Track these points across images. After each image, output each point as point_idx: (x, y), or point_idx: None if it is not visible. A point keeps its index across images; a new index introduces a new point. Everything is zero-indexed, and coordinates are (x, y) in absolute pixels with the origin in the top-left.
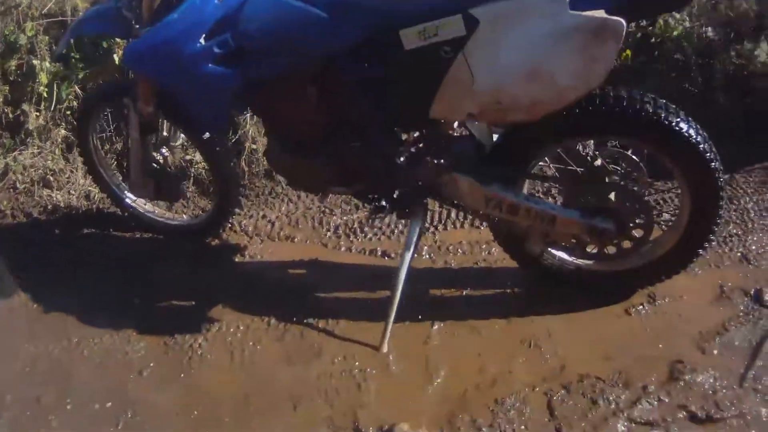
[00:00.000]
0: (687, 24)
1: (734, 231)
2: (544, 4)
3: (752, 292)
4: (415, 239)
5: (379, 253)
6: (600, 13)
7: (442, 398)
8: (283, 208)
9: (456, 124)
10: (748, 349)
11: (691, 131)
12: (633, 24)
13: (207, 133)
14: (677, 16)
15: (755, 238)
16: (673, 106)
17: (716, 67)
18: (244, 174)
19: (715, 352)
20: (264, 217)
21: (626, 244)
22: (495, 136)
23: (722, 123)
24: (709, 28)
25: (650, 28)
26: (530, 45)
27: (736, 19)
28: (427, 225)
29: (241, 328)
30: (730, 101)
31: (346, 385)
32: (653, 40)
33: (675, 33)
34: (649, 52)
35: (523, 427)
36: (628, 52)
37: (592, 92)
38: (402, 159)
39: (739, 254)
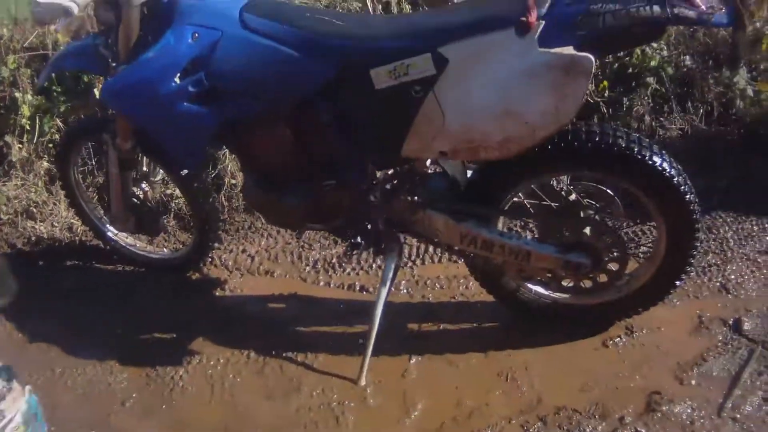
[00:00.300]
0: (665, 53)
1: (713, 261)
2: (513, 42)
3: (731, 322)
4: (390, 275)
5: (358, 288)
6: (569, 50)
7: (419, 431)
8: (263, 243)
9: (429, 161)
10: (726, 379)
11: (665, 165)
12: (610, 55)
13: (184, 170)
14: (654, 45)
15: (734, 268)
16: (647, 140)
17: (695, 95)
18: (224, 208)
19: (693, 382)
20: (244, 251)
21: (602, 277)
22: (469, 173)
23: (702, 151)
24: (687, 57)
25: (627, 58)
26: (500, 83)
27: (714, 48)
28: (404, 259)
29: (222, 361)
30: (710, 129)
31: (324, 418)
32: (630, 70)
33: (652, 63)
34: (627, 83)
35: None
36: (605, 83)
37: (564, 128)
38: (376, 196)
39: (718, 284)
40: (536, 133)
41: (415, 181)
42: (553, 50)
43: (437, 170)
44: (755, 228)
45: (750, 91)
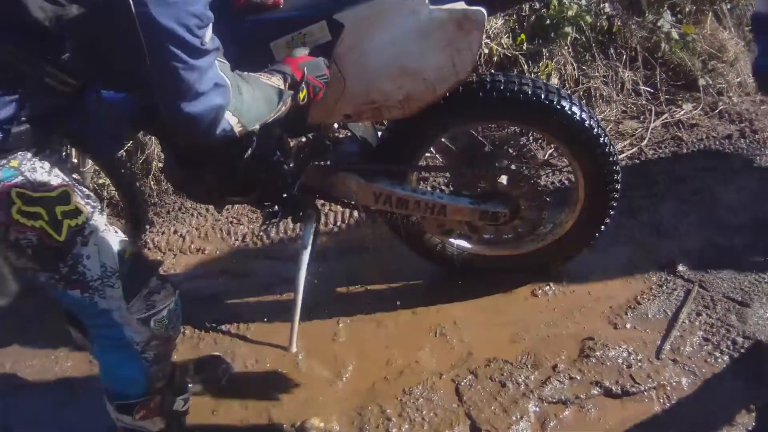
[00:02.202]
0: (583, 2)
1: (644, 204)
2: (405, 2)
3: (665, 263)
4: (310, 241)
5: (285, 257)
6: (460, 5)
7: (351, 392)
8: (193, 222)
9: (337, 125)
10: (663, 321)
11: (575, 109)
12: (526, 7)
13: (109, 157)
14: None
15: (666, 209)
16: (555, 86)
17: (618, 41)
18: (154, 192)
19: (628, 326)
20: (175, 232)
21: (522, 226)
22: (380, 133)
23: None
24: (607, 4)
25: (544, 10)
26: (396, 43)
27: None
28: (330, 225)
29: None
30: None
31: (259, 386)
32: (548, 21)
33: (570, 12)
34: (546, 35)
35: (432, 414)
36: (523, 36)
37: (467, 81)
38: (290, 165)
39: (649, 227)
40: (436, 89)
41: (325, 146)
42: (444, 7)
43: (347, 134)
44: (686, 169)
45: (675, 34)
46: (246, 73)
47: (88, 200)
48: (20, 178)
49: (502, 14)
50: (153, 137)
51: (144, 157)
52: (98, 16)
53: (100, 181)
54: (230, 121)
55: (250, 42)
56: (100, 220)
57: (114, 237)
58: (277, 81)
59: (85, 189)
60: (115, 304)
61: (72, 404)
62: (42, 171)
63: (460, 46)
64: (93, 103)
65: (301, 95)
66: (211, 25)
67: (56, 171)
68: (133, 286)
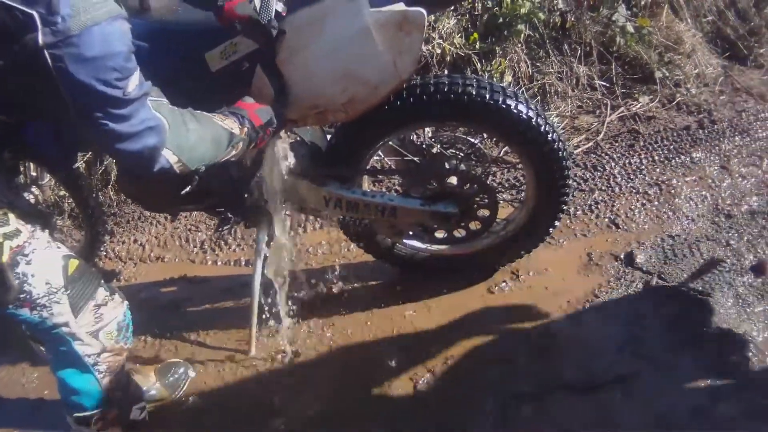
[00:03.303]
0: None
1: (600, 198)
2: (344, 6)
3: (622, 256)
4: (263, 246)
5: (243, 263)
6: (400, 6)
7: (310, 392)
8: (153, 231)
9: (283, 131)
10: (623, 313)
11: (521, 107)
12: (478, 5)
13: (64, 171)
14: None
15: (623, 202)
16: (500, 85)
17: (572, 37)
18: (113, 202)
19: (587, 319)
20: (135, 241)
21: (474, 225)
22: (329, 137)
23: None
24: (560, 0)
25: (497, 9)
26: (336, 46)
27: None
28: (288, 230)
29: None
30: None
31: (219, 390)
32: (501, 20)
33: (522, 10)
34: (499, 33)
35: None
36: (476, 35)
37: (411, 82)
38: (238, 171)
39: (606, 220)
40: (378, 90)
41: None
42: (384, 9)
43: (296, 138)
44: (644, 161)
45: (630, 28)
46: (199, 112)
47: (28, 218)
48: None
49: (454, 14)
50: None
51: (103, 168)
52: (18, 70)
53: (61, 192)
54: (169, 159)
55: (185, 53)
56: (42, 238)
57: (56, 253)
58: (230, 124)
59: (24, 206)
60: (63, 320)
61: (39, 415)
62: None
63: (401, 48)
64: (32, 136)
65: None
66: (136, 73)
67: None
68: (80, 301)
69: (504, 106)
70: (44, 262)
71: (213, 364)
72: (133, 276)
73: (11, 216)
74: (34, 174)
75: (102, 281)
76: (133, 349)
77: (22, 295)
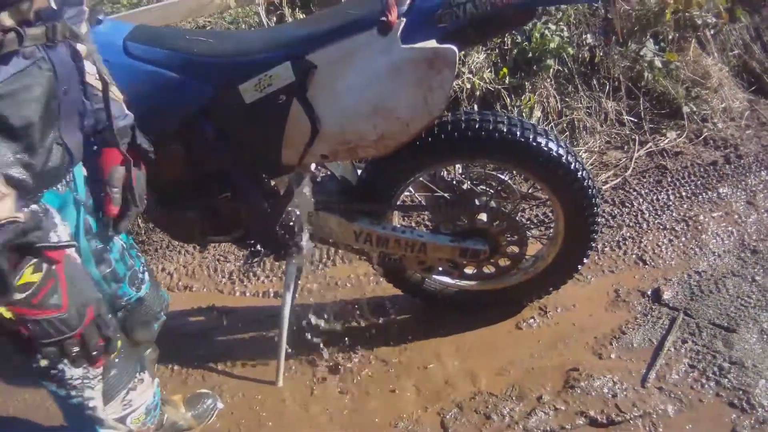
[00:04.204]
0: (565, 34)
1: (628, 234)
2: (377, 42)
3: (649, 293)
4: (293, 279)
5: (272, 294)
6: (431, 43)
7: (337, 425)
8: (181, 260)
9: (314, 165)
10: (648, 350)
11: (551, 145)
12: (508, 40)
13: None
14: (553, 27)
15: (651, 239)
16: (530, 123)
17: (600, 72)
18: (141, 229)
19: (613, 355)
20: (163, 269)
21: (503, 261)
22: (359, 172)
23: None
24: (588, 35)
25: (526, 43)
26: (368, 82)
27: (615, 23)
28: (315, 262)
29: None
30: (620, 106)
31: (246, 420)
32: (530, 55)
33: (552, 45)
34: (528, 68)
35: None
36: (505, 70)
37: (442, 119)
38: (270, 205)
39: (634, 256)
40: (410, 127)
41: (306, 186)
42: (416, 45)
43: (327, 173)
44: (671, 197)
45: (658, 63)
46: None
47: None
48: None
49: (483, 48)
50: None
51: None
52: None
53: None
54: None
55: (218, 84)
56: None
57: None
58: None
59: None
60: (92, 404)
61: None
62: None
63: (432, 84)
64: None
65: (27, 275)
66: None
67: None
68: (114, 390)
69: (534, 143)
70: None
71: (240, 394)
72: None
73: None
74: None
75: (138, 364)
76: (160, 376)
77: (53, 371)
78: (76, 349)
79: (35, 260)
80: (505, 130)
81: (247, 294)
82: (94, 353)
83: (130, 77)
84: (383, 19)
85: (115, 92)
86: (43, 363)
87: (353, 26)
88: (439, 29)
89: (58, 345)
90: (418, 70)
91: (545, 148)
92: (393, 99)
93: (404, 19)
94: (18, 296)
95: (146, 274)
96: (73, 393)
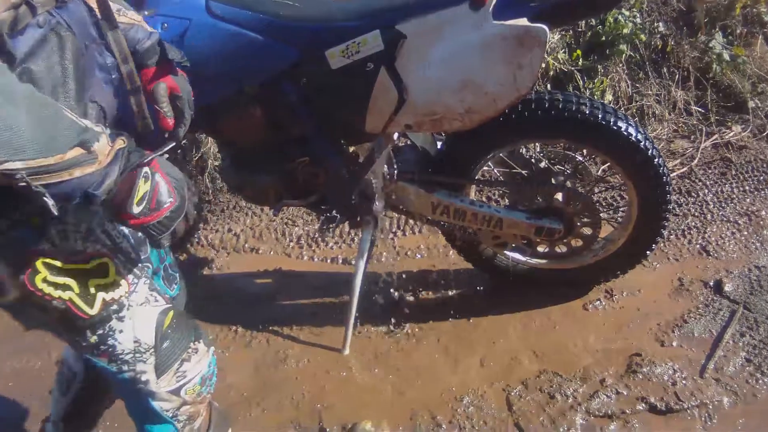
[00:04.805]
0: (638, 20)
1: (693, 224)
2: (468, 16)
3: (712, 283)
4: (367, 247)
5: (340, 261)
6: (523, 21)
7: (402, 397)
8: (248, 221)
9: (397, 134)
10: (708, 340)
11: (630, 130)
12: (582, 23)
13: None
14: (626, 12)
15: (715, 230)
16: (611, 107)
17: (671, 61)
18: (209, 190)
19: (675, 343)
20: (229, 230)
21: (576, 242)
22: (439, 144)
23: (681, 116)
24: (661, 23)
25: (600, 26)
26: (458, 56)
27: (688, 13)
28: (386, 231)
29: (211, 336)
30: (688, 96)
31: (310, 387)
32: (603, 38)
33: (625, 30)
34: (601, 51)
35: (482, 422)
36: (579, 52)
37: (526, 97)
38: (349, 171)
39: (698, 246)
40: (497, 103)
41: (386, 154)
42: (507, 22)
43: (407, 143)
44: (735, 191)
45: (726, 56)
46: (45, 97)
47: (130, 267)
48: (46, 245)
49: (558, 29)
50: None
51: (199, 155)
52: None
53: None
54: None
55: (304, 48)
56: (142, 291)
57: (153, 310)
58: (90, 124)
59: (131, 251)
60: (145, 378)
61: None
62: (74, 235)
63: (522, 62)
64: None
65: (141, 187)
66: None
67: (95, 234)
68: (167, 362)
69: (615, 127)
70: (138, 319)
71: (306, 360)
72: (227, 265)
73: (111, 267)
74: None
75: (192, 333)
76: (223, 338)
77: (103, 347)
78: (182, 228)
79: (143, 172)
80: (587, 111)
81: (315, 259)
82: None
83: (211, 36)
84: None
85: (132, 16)
86: (93, 339)
87: None
88: (530, 8)
89: (172, 232)
90: (508, 47)
91: (625, 133)
92: (482, 74)
93: None
94: (137, 209)
95: (177, 274)
96: (125, 368)
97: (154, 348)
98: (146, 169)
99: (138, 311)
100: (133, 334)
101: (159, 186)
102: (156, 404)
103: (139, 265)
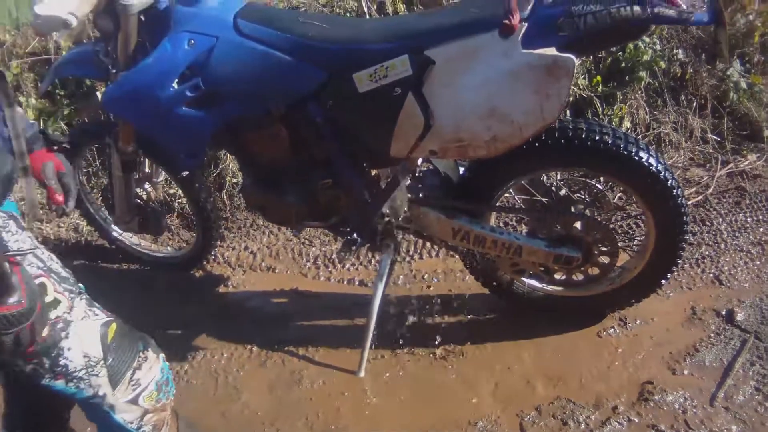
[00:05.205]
0: (657, 47)
1: (707, 252)
2: (497, 44)
3: (724, 313)
4: (386, 270)
5: (357, 283)
6: (551, 51)
7: (416, 420)
8: (264, 240)
9: (420, 160)
10: (719, 369)
11: (651, 160)
12: (593, 54)
13: (184, 172)
14: (647, 39)
15: (728, 259)
16: (633, 137)
17: (689, 88)
18: (226, 207)
19: (686, 372)
20: (246, 248)
21: (593, 270)
22: (461, 170)
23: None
24: (680, 51)
25: (620, 53)
26: (486, 83)
27: (706, 41)
28: (403, 254)
29: (225, 355)
30: (705, 124)
31: (325, 408)
32: (623, 65)
33: (645, 57)
34: (620, 78)
35: None
36: (599, 78)
37: (549, 126)
38: (371, 195)
39: (711, 275)
40: (523, 131)
41: (408, 179)
42: (535, 51)
43: (429, 168)
44: (748, 220)
45: (744, 84)
46: None
47: (66, 285)
48: None
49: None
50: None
51: (218, 172)
52: None
53: (171, 191)
54: None
55: (331, 70)
56: (80, 306)
57: (95, 323)
58: None
59: (61, 270)
60: (101, 392)
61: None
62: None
63: (550, 92)
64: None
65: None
66: None
67: (30, 258)
68: (119, 372)
69: (636, 158)
70: (83, 333)
71: (321, 381)
72: (242, 283)
73: (48, 285)
74: (148, 171)
75: (139, 342)
76: (238, 357)
77: (57, 369)
78: (27, 338)
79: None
80: (609, 141)
81: (332, 280)
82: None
83: (238, 55)
84: (506, 22)
85: (18, 110)
86: (47, 363)
87: (475, 26)
88: (559, 37)
89: (15, 336)
90: (536, 77)
91: (645, 163)
92: (509, 103)
93: (525, 24)
94: None
95: None
96: (82, 384)
97: (104, 360)
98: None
99: (81, 326)
100: (81, 349)
101: (11, 281)
102: (119, 417)
103: (71, 281)
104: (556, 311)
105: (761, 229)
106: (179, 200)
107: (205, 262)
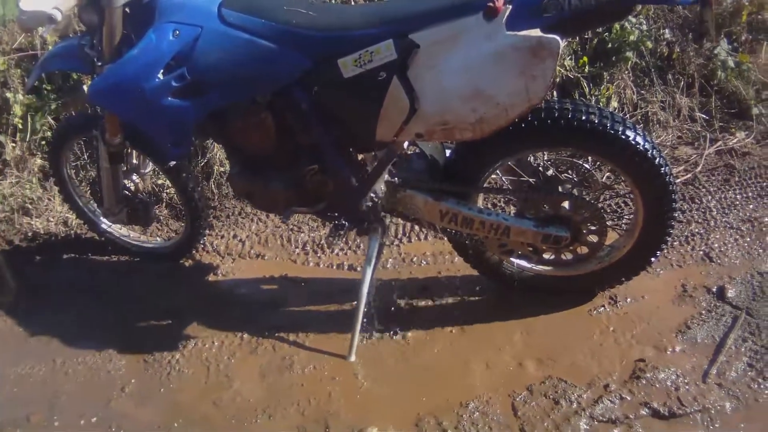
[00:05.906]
0: (644, 27)
1: (696, 230)
2: (481, 26)
3: (715, 289)
4: (374, 254)
5: (346, 267)
6: (536, 32)
7: (408, 402)
8: (253, 227)
9: (407, 143)
10: (711, 346)
11: (639, 139)
12: (578, 35)
13: (171, 161)
14: (633, 20)
15: (718, 236)
16: (620, 116)
17: (676, 68)
18: (214, 195)
19: (678, 349)
20: (235, 236)
21: (582, 249)
22: (448, 152)
23: (685, 122)
24: (667, 30)
25: (606, 33)
26: (471, 66)
27: (693, 21)
28: (392, 238)
29: (216, 343)
30: (693, 103)
31: (316, 393)
32: (610, 45)
33: (631, 37)
34: (607, 58)
35: (487, 428)
36: (585, 58)
37: (535, 107)
38: (358, 179)
39: (701, 253)
40: (508, 113)
41: (394, 163)
42: (520, 33)
43: (416, 151)
44: (738, 197)
45: (731, 62)
46: None
47: None
48: None
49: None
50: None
51: (205, 161)
52: None
53: (159, 181)
54: None
55: (316, 57)
56: None
57: None
58: None
59: None
60: None
61: (120, 401)
62: None
63: (535, 73)
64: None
65: None
66: None
67: None
68: None
69: (623, 137)
70: None
71: (312, 366)
72: (231, 271)
73: None
74: (135, 162)
75: None
76: (229, 345)
77: None
78: None
79: None
80: (596, 121)
81: (321, 265)
82: None
83: (223, 44)
84: (490, 4)
85: None
86: None
87: (459, 9)
88: (543, 19)
89: None
90: (521, 58)
91: (633, 142)
92: (494, 85)
93: (510, 6)
94: None
95: None
96: None
97: None
98: None
99: None
100: None
101: None
102: None
103: None
104: (545, 291)
105: (751, 206)
106: (167, 190)
107: (194, 252)
